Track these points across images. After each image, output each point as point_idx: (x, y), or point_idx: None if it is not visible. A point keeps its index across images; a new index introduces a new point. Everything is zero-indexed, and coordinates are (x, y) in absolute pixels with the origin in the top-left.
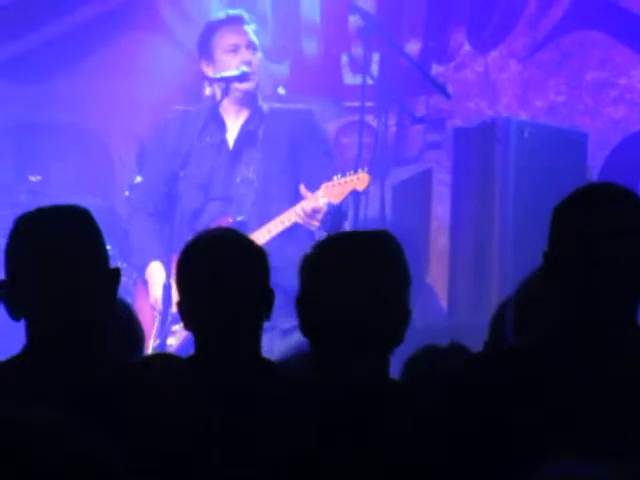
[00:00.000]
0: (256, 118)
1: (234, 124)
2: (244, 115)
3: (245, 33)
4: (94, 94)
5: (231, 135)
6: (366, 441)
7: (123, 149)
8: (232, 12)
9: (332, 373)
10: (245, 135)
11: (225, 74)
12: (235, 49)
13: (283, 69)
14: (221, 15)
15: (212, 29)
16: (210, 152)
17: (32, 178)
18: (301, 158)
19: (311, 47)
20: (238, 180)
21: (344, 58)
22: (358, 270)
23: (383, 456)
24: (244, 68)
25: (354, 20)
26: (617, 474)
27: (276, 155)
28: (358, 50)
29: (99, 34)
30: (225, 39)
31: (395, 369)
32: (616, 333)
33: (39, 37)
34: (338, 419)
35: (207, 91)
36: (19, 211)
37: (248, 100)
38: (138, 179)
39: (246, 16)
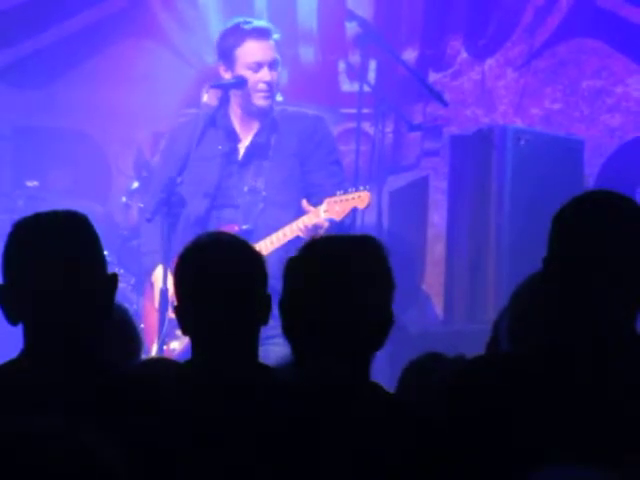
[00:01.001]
0: (268, 128)
1: (247, 134)
2: (256, 126)
3: (270, 49)
4: (92, 100)
5: (243, 145)
6: (344, 445)
7: (120, 155)
8: (259, 24)
9: (312, 375)
10: (256, 146)
11: (222, 81)
12: (257, 68)
13: (281, 76)
14: (246, 26)
15: (238, 38)
16: (220, 160)
17: (29, 183)
18: (310, 167)
19: (308, 54)
20: (245, 189)
21: (341, 65)
22: (340, 274)
23: (363, 460)
24: (266, 73)
25: (351, 27)
26: None
27: (285, 163)
28: (355, 57)
29: (97, 40)
30: (250, 55)
31: (388, 371)
32: (615, 340)
33: (37, 43)
34: (316, 419)
35: (205, 98)
36: (16, 216)
37: (262, 113)
38: (135, 185)
39: (271, 27)
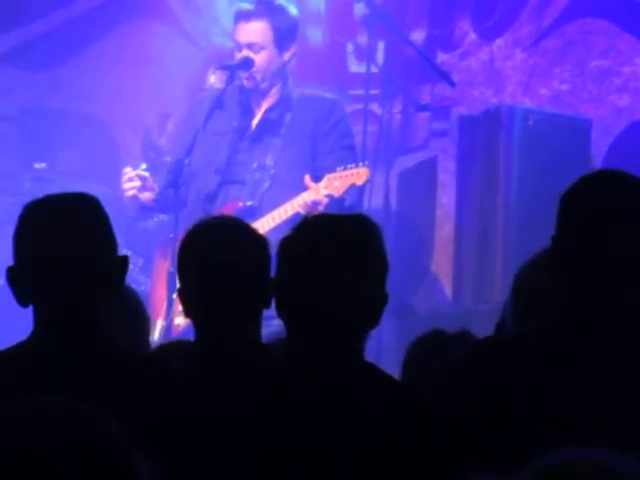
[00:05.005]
0: (281, 106)
1: (259, 111)
2: (269, 102)
3: (252, 32)
4: (100, 82)
5: (255, 121)
6: (338, 425)
7: (128, 137)
8: (244, 6)
9: (306, 356)
10: (266, 122)
11: (228, 62)
12: (239, 48)
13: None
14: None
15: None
16: (233, 136)
17: (37, 165)
18: (321, 149)
19: (316, 35)
20: (254, 165)
21: (349, 46)
22: (332, 253)
23: (360, 441)
24: (245, 54)
25: (359, 8)
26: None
27: (297, 143)
28: (363, 38)
29: (105, 22)
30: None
31: (397, 352)
32: (619, 321)
33: (45, 24)
34: (312, 401)
35: (211, 79)
36: (24, 199)
37: (262, 93)
38: (143, 166)
39: (259, 10)
